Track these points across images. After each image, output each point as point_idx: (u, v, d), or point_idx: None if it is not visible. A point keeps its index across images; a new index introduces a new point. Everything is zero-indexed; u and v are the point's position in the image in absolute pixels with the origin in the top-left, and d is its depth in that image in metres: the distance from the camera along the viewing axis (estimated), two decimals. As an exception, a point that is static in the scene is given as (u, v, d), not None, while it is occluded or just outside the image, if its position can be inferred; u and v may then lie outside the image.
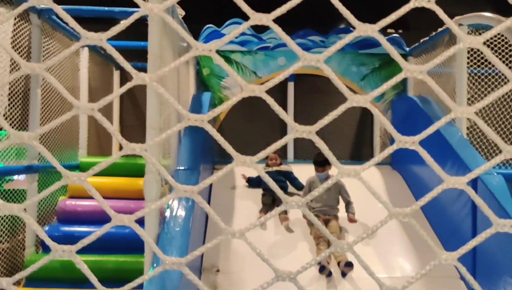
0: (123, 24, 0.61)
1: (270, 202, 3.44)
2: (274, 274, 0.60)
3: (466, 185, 0.61)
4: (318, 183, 3.36)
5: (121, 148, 4.64)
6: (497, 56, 3.13)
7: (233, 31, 0.65)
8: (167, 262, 0.60)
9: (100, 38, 0.62)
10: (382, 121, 0.62)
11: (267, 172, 3.35)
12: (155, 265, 2.29)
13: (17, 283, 3.35)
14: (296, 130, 0.62)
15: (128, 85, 0.62)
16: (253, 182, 3.71)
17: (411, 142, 0.62)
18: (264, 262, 0.61)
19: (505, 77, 3.20)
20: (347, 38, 0.62)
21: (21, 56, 3.41)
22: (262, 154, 0.63)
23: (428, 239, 0.61)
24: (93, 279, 0.59)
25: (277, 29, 0.61)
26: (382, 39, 0.62)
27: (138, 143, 0.62)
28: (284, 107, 4.39)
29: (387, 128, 0.62)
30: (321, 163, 3.32)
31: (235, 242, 3.29)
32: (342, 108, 0.62)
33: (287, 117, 0.63)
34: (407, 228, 3.46)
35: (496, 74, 3.15)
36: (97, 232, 0.61)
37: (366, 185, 0.62)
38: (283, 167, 3.70)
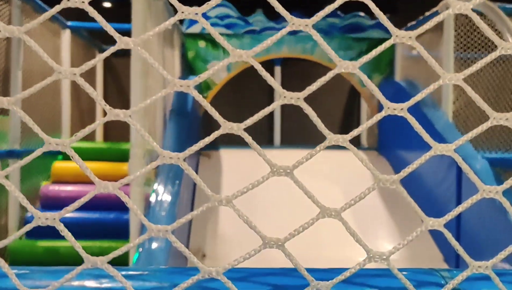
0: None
1: None
2: (262, 241, 0.59)
3: (453, 152, 0.61)
4: None
5: (105, 129, 4.59)
6: (484, 40, 3.16)
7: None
8: (153, 229, 0.59)
9: (82, 0, 0.60)
10: (370, 87, 0.61)
11: None
12: (140, 249, 2.28)
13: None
14: (284, 96, 0.61)
15: (112, 50, 0.61)
16: None
17: (399, 109, 0.62)
18: (252, 229, 0.60)
19: (491, 62, 3.24)
20: (337, 2, 0.61)
21: (0, 38, 3.33)
22: (249, 121, 0.62)
23: (415, 205, 0.61)
24: (78, 247, 0.58)
25: (265, -8, 0.60)
26: (370, 4, 0.61)
27: (122, 109, 0.61)
28: (271, 92, 4.38)
29: (375, 94, 0.62)
30: None
31: (221, 227, 3.29)
32: (330, 74, 0.61)
33: (275, 83, 0.62)
34: (393, 213, 3.50)
35: (482, 58, 3.18)
36: (81, 199, 0.60)
37: (354, 151, 0.62)
38: None
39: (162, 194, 2.73)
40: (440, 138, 3.12)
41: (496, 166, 2.91)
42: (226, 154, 4.02)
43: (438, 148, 0.62)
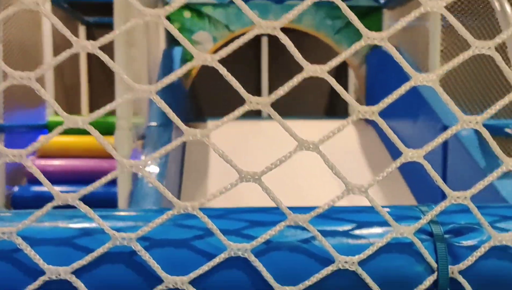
0: None
1: None
2: (238, 175, 0.58)
3: (434, 82, 0.60)
4: None
5: (90, 104, 4.53)
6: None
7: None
8: (125, 164, 0.57)
9: None
10: (349, 16, 0.59)
11: None
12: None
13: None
14: (260, 26, 0.58)
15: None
16: None
17: (379, 39, 0.60)
18: (228, 163, 0.58)
19: (479, 29, 3.22)
20: None
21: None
22: (223, 52, 0.59)
23: (395, 137, 0.60)
24: (47, 184, 0.56)
25: None
26: None
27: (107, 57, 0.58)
28: (258, 64, 4.33)
29: (354, 23, 0.59)
30: None
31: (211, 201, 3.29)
32: None
33: (249, 11, 0.59)
34: (381, 183, 3.52)
35: (470, 25, 3.16)
36: (53, 133, 0.58)
37: (333, 83, 0.60)
38: None
39: (149, 165, 2.71)
40: (427, 105, 3.12)
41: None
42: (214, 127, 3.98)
43: (419, 78, 0.60)
